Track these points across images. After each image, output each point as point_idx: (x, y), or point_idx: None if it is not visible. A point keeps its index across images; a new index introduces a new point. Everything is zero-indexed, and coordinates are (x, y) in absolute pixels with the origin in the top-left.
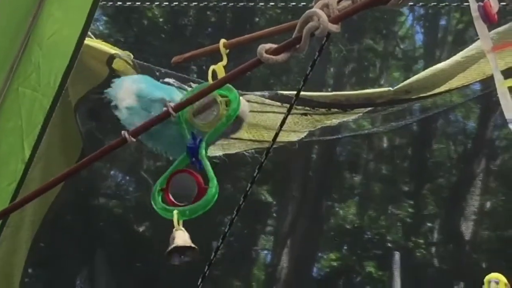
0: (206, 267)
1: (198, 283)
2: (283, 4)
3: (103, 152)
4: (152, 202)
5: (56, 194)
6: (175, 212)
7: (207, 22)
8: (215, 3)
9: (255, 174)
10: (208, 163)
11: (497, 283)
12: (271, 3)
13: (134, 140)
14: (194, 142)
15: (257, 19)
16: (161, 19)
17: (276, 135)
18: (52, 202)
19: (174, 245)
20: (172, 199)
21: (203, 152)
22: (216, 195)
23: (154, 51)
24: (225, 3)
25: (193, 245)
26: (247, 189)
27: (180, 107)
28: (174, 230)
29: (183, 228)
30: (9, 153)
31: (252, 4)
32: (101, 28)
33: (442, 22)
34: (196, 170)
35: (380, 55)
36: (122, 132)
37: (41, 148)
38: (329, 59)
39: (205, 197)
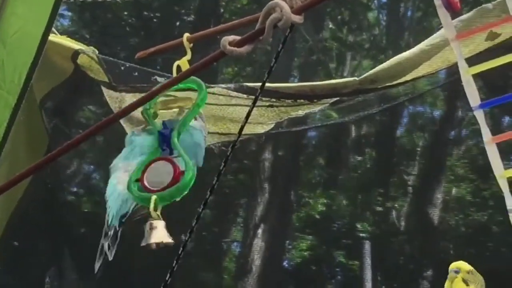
0: (174, 262)
1: (167, 279)
2: None
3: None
4: (129, 192)
5: (23, 191)
6: (153, 197)
7: (173, 14)
8: None
9: (221, 168)
10: (181, 149)
11: (457, 272)
12: None
13: None
14: (165, 128)
15: (222, 10)
16: (125, 13)
17: (242, 128)
18: (19, 199)
19: (152, 240)
20: (149, 187)
21: (175, 140)
22: (194, 177)
23: (120, 45)
24: None
25: (170, 240)
26: (214, 182)
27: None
28: (150, 218)
29: (159, 216)
30: None
31: None
32: (66, 24)
33: (408, 11)
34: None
35: (346, 45)
36: None
37: (7, 146)
38: (295, 50)
39: (182, 179)
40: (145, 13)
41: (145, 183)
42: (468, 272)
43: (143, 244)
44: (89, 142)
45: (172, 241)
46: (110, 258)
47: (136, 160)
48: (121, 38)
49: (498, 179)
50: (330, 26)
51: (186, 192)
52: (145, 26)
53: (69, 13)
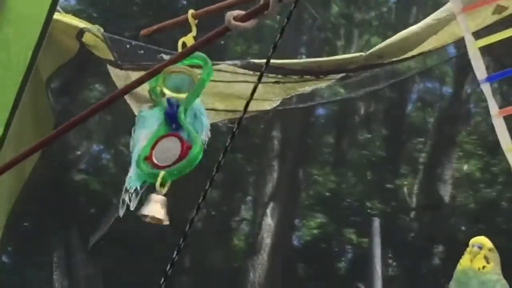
0: (181, 240)
1: (173, 256)
2: None
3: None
4: (139, 169)
5: (30, 170)
6: (161, 173)
7: None
8: None
9: (227, 144)
10: (189, 126)
11: (480, 248)
12: None
13: None
14: (171, 107)
15: None
16: None
17: (247, 104)
18: (27, 178)
19: (143, 212)
20: (158, 163)
21: (182, 116)
22: (201, 151)
23: (127, 24)
24: None
25: (161, 217)
26: (220, 159)
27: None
28: (155, 192)
29: (161, 192)
30: None
31: None
32: (73, 3)
33: None
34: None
35: (354, 22)
36: None
37: (14, 127)
38: (303, 28)
39: (189, 154)
40: None
41: (154, 159)
42: (489, 250)
43: (139, 213)
44: (97, 122)
45: (164, 219)
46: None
47: (148, 130)
48: (128, 17)
49: (506, 153)
50: (338, 3)
51: (194, 166)
52: (151, 5)
53: None
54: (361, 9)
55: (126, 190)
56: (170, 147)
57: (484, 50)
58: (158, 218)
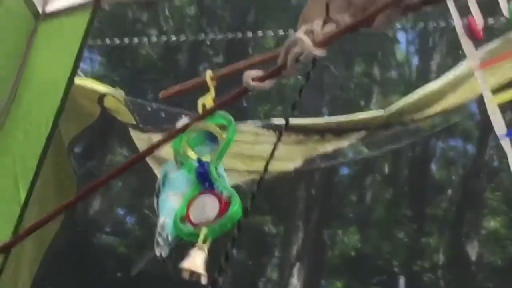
0: None
1: None
2: (273, 34)
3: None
4: (176, 232)
5: (53, 234)
6: (203, 229)
7: (202, 57)
8: (208, 36)
9: (248, 205)
10: (223, 183)
11: None
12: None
13: None
14: (202, 167)
15: (250, 51)
16: (155, 56)
17: (267, 164)
18: (51, 241)
19: (183, 265)
20: (195, 222)
21: (214, 174)
22: (241, 208)
23: (150, 88)
24: (218, 35)
25: (202, 272)
26: (240, 219)
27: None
28: (195, 246)
29: (204, 248)
30: (3, 195)
31: (241, 35)
32: (96, 67)
33: (435, 45)
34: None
35: (376, 81)
36: None
37: (36, 190)
38: (323, 87)
39: (230, 210)
40: (174, 55)
41: (192, 219)
42: None
43: (179, 266)
44: (122, 186)
45: (204, 274)
46: (159, 255)
47: (178, 191)
48: (151, 81)
49: None
50: (360, 62)
51: (235, 222)
52: (174, 68)
53: (99, 57)
54: (382, 68)
55: (159, 234)
56: (207, 205)
57: (508, 105)
58: (198, 272)
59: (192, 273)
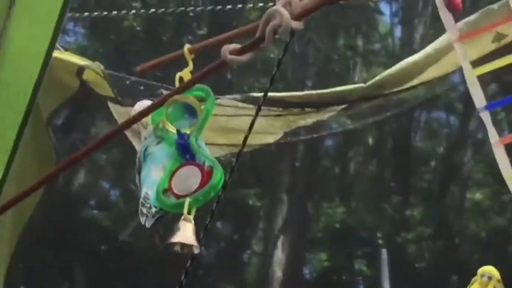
0: (184, 273)
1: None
2: (257, 5)
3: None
4: (159, 205)
5: (33, 208)
6: (187, 199)
7: (186, 29)
8: (192, 8)
9: (227, 178)
10: (204, 154)
11: (490, 278)
12: (249, 5)
13: None
14: (182, 138)
15: (234, 23)
16: (138, 28)
17: (246, 137)
18: (30, 216)
19: (174, 240)
20: (180, 193)
21: (195, 145)
22: (223, 176)
23: (132, 60)
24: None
25: (194, 243)
26: (220, 193)
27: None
28: (181, 219)
29: (191, 219)
30: None
31: (229, 7)
32: (79, 40)
33: (418, 18)
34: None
35: (360, 53)
36: None
37: (14, 166)
38: (308, 60)
39: (212, 179)
40: (158, 28)
41: (174, 190)
42: (498, 280)
43: (167, 241)
44: (106, 159)
45: (197, 245)
46: (143, 223)
47: (159, 165)
48: (133, 53)
49: (507, 181)
50: (344, 34)
51: (218, 191)
52: (157, 40)
53: (82, 30)
54: (366, 40)
55: (143, 205)
56: (189, 176)
57: (491, 77)
58: (190, 244)
59: (183, 245)
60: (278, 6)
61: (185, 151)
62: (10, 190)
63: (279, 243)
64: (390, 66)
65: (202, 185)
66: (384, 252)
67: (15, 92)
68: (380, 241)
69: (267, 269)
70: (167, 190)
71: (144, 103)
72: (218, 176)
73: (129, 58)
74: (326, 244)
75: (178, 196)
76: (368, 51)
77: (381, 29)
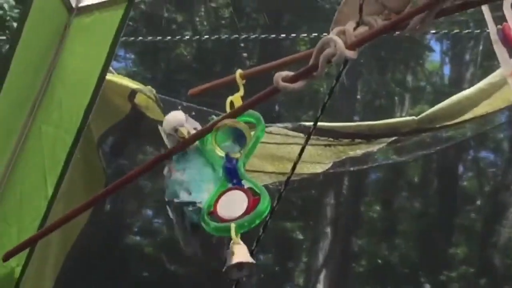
0: None
1: None
2: (305, 36)
3: (138, 173)
4: (204, 225)
5: (80, 229)
6: (232, 225)
7: (236, 59)
8: (245, 35)
9: (274, 205)
10: (251, 179)
11: None
12: (302, 35)
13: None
14: (231, 163)
15: (284, 53)
16: (188, 57)
17: (295, 164)
18: (76, 238)
19: (234, 261)
20: (224, 217)
21: (243, 170)
22: (270, 203)
23: (182, 88)
24: (251, 35)
25: (252, 261)
26: (267, 219)
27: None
28: (231, 243)
29: (241, 242)
30: (32, 190)
31: (280, 36)
32: (129, 66)
33: (469, 56)
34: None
35: (409, 89)
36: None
37: (64, 185)
38: (356, 93)
39: (259, 206)
40: (209, 57)
41: (219, 214)
42: None
43: (226, 266)
44: (152, 186)
45: (254, 262)
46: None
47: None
48: (182, 82)
49: None
50: (394, 69)
51: (263, 218)
52: (207, 70)
53: (132, 56)
54: (415, 76)
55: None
56: (235, 201)
57: None
58: (250, 262)
59: (241, 267)
60: (333, 35)
61: (232, 176)
62: (58, 210)
63: (321, 277)
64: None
65: (248, 211)
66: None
67: (67, 112)
68: (422, 279)
69: None
70: (212, 213)
71: (176, 115)
72: (265, 203)
73: (178, 87)
74: (368, 280)
75: (222, 220)
76: (417, 87)
77: (430, 66)
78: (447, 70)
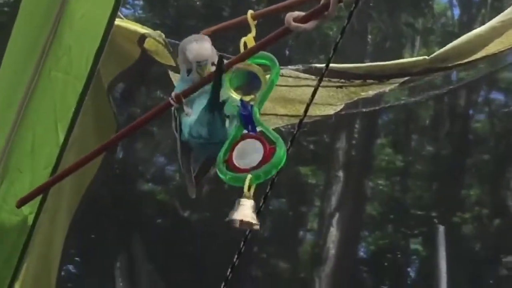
0: (242, 244)
1: (234, 260)
2: None
3: (148, 117)
4: (220, 174)
5: (92, 177)
6: (248, 176)
7: (245, 4)
8: None
9: (287, 147)
10: (267, 127)
11: None
12: None
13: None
14: (245, 109)
15: None
16: (197, 2)
17: (307, 106)
18: (88, 185)
19: (235, 217)
20: (240, 167)
21: (258, 117)
22: (285, 153)
23: (192, 33)
24: None
25: (253, 221)
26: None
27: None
28: (243, 195)
29: (251, 195)
30: (44, 137)
31: None
32: (137, 13)
33: None
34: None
35: (418, 31)
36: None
37: (75, 131)
38: (367, 35)
39: (275, 155)
40: (217, 2)
41: (235, 163)
42: None
43: (227, 219)
44: (163, 133)
45: (257, 223)
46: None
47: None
48: (193, 27)
49: None
50: (403, 11)
51: (279, 168)
52: (216, 14)
53: (140, 1)
54: (425, 17)
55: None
56: (251, 150)
57: None
58: (250, 222)
59: (242, 222)
60: None
61: (247, 122)
62: (70, 156)
63: (334, 221)
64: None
65: (264, 161)
66: (441, 230)
67: (76, 58)
68: (435, 220)
69: (322, 246)
70: (227, 161)
71: (208, 48)
72: (281, 153)
73: (188, 32)
74: (381, 223)
75: (238, 170)
76: (427, 29)
77: (439, 7)
78: (456, 11)
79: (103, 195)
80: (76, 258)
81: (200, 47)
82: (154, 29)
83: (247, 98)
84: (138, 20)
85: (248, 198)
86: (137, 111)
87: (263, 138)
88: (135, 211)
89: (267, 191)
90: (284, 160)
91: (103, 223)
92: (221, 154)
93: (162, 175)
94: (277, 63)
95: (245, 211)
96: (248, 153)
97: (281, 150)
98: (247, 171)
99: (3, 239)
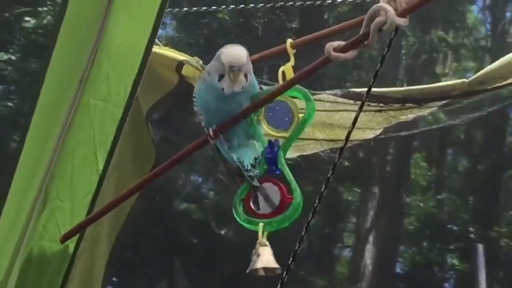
0: (285, 272)
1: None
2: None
3: (186, 153)
4: (234, 214)
5: (131, 204)
6: (261, 224)
7: (277, 23)
8: (282, 3)
9: (329, 175)
10: (289, 173)
11: None
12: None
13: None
14: (271, 150)
15: (325, 16)
16: (230, 21)
17: (349, 133)
18: (128, 213)
19: (258, 266)
20: (255, 210)
21: (283, 160)
22: (302, 206)
23: None
24: (291, 2)
25: (276, 266)
26: (322, 190)
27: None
28: (258, 243)
29: (267, 243)
30: (83, 165)
31: (319, 2)
32: (170, 33)
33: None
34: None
35: (451, 46)
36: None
37: (114, 159)
38: (400, 53)
39: (291, 207)
40: (250, 21)
41: (252, 206)
42: None
43: (249, 269)
44: (199, 153)
45: (278, 267)
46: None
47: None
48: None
49: None
50: (435, 27)
51: (292, 221)
52: (250, 34)
53: (174, 22)
54: (458, 33)
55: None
56: (268, 195)
57: None
58: (273, 268)
59: (266, 270)
60: (383, 3)
61: (271, 163)
62: (109, 184)
63: (371, 237)
64: (480, 59)
65: (279, 210)
66: (480, 247)
67: (115, 86)
68: (472, 236)
69: (359, 263)
70: (244, 199)
71: (229, 47)
72: (296, 206)
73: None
74: (418, 238)
75: (253, 213)
76: (459, 44)
77: (471, 22)
78: (488, 26)
79: (140, 215)
80: (114, 279)
81: (237, 53)
82: (187, 49)
83: (276, 134)
84: (171, 40)
85: (264, 245)
86: (173, 136)
87: (282, 185)
88: (172, 231)
89: (309, 219)
90: (299, 210)
91: (141, 243)
92: (238, 192)
93: (197, 194)
94: (312, 100)
95: (266, 258)
96: (265, 199)
97: (297, 202)
98: (261, 217)
99: (44, 268)
